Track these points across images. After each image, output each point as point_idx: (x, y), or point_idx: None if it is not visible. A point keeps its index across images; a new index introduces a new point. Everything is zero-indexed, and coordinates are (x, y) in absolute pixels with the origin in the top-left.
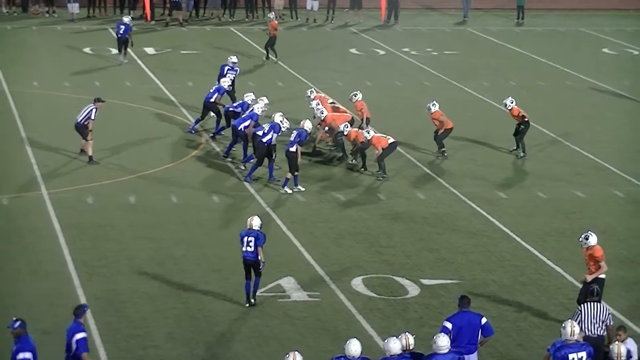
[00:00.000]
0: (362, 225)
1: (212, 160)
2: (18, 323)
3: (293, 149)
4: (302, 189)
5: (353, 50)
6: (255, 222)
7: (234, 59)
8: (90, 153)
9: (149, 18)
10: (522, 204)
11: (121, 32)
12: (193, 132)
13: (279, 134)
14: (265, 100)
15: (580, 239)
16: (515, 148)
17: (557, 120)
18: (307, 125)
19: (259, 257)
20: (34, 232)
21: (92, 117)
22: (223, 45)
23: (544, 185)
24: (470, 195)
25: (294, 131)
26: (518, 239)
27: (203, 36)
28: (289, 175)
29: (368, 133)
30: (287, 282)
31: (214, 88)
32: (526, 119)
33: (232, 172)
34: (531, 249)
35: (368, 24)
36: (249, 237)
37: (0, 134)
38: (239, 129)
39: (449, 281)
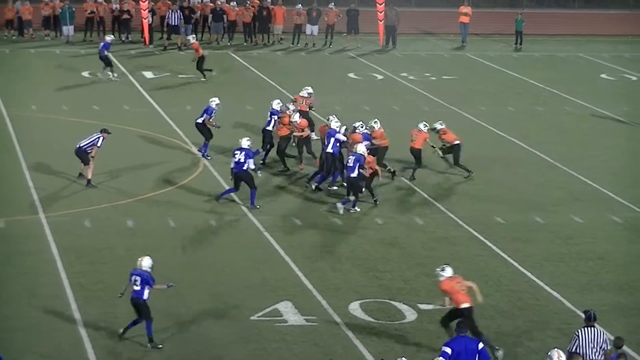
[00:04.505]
0: (360, 249)
1: (210, 184)
2: None
3: (354, 174)
4: (359, 210)
5: (351, 75)
6: (145, 263)
7: (217, 100)
8: (89, 176)
9: (147, 42)
10: (520, 229)
11: (101, 51)
12: (208, 157)
13: (253, 157)
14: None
15: (437, 271)
16: (467, 174)
17: (555, 146)
18: (362, 149)
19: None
20: (31, 255)
21: (99, 145)
22: (221, 69)
23: (541, 210)
24: (467, 220)
25: (351, 156)
26: (516, 264)
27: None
28: (352, 197)
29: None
30: (285, 307)
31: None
32: (458, 143)
33: (230, 196)
34: (529, 274)
35: (366, 48)
36: (135, 276)
37: None
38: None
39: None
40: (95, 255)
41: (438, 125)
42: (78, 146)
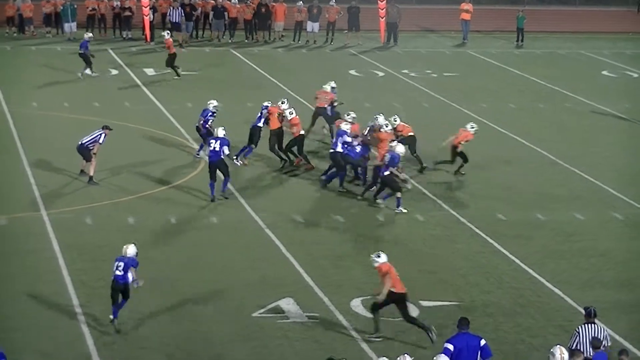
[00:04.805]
0: (361, 246)
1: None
2: None
3: (387, 172)
4: (405, 211)
5: (352, 72)
6: (130, 251)
7: (214, 102)
8: (91, 173)
9: (148, 39)
10: (521, 226)
11: (80, 49)
12: (198, 156)
13: (228, 145)
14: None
15: (372, 257)
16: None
17: (556, 143)
18: (400, 149)
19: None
20: (33, 252)
21: (101, 142)
22: (222, 66)
23: (543, 207)
24: (468, 217)
25: (387, 155)
26: (517, 260)
27: (202, 57)
28: (399, 194)
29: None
30: (286, 304)
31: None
32: (411, 134)
33: (231, 193)
34: (530, 271)
35: (367, 45)
36: (118, 262)
37: None
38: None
39: (447, 303)
40: (96, 252)
41: (393, 121)
42: (80, 143)
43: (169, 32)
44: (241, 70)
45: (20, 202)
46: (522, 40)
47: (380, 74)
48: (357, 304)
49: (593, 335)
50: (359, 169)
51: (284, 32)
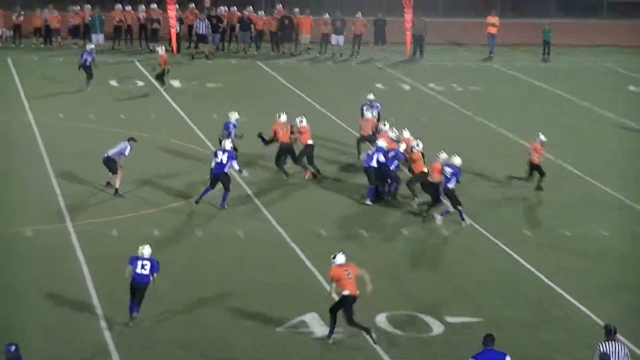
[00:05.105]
0: (386, 261)
1: (237, 193)
2: (14, 347)
3: (451, 185)
4: (468, 223)
5: (378, 85)
6: (147, 251)
7: (236, 115)
8: (117, 185)
9: (175, 51)
10: (546, 241)
11: (84, 60)
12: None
13: (236, 159)
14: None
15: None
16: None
17: (582, 158)
18: (458, 161)
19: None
20: (58, 263)
21: (126, 154)
22: (248, 78)
23: (568, 222)
24: (493, 232)
25: (448, 168)
26: (542, 276)
27: (228, 69)
28: (460, 207)
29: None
30: (311, 318)
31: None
32: (311, 144)
33: (257, 207)
34: (555, 287)
35: (393, 59)
36: (145, 261)
37: (26, 165)
38: None
39: (472, 319)
40: (121, 264)
41: (298, 122)
42: (106, 155)
43: (163, 47)
44: (267, 82)
45: (46, 213)
46: (548, 54)
47: (406, 87)
48: (381, 319)
49: (602, 351)
50: (394, 183)
51: (310, 45)
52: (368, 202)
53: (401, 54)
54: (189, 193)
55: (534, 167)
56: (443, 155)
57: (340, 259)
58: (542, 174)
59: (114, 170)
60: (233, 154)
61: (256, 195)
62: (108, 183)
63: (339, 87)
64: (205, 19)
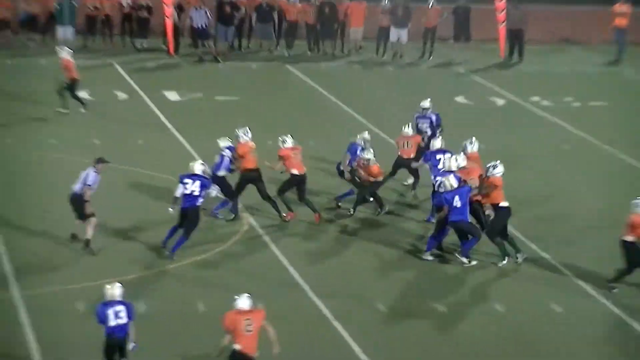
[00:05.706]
0: (410, 288)
1: (255, 246)
2: None
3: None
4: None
5: (459, 99)
6: (118, 292)
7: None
8: (88, 236)
9: (171, 51)
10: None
11: None
12: (220, 216)
13: (210, 187)
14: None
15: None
16: None
17: None
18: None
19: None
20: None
21: (90, 183)
22: (273, 89)
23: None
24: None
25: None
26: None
27: (247, 76)
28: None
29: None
30: None
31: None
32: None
33: (294, 282)
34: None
35: (481, 61)
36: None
37: None
38: None
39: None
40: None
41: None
42: (73, 191)
43: (67, 47)
44: (300, 93)
45: None
46: None
47: (500, 101)
48: None
49: None
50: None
51: (362, 42)
52: (428, 257)
53: (492, 54)
54: (191, 250)
55: None
56: None
57: (244, 303)
58: None
59: (81, 215)
60: (207, 182)
61: (296, 268)
62: (73, 235)
63: (403, 102)
64: (201, 7)
